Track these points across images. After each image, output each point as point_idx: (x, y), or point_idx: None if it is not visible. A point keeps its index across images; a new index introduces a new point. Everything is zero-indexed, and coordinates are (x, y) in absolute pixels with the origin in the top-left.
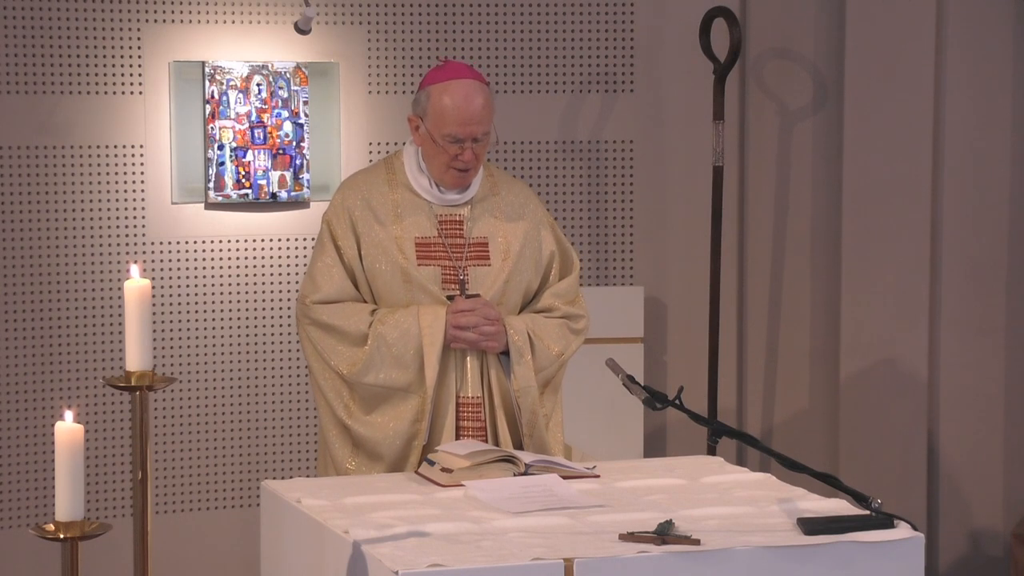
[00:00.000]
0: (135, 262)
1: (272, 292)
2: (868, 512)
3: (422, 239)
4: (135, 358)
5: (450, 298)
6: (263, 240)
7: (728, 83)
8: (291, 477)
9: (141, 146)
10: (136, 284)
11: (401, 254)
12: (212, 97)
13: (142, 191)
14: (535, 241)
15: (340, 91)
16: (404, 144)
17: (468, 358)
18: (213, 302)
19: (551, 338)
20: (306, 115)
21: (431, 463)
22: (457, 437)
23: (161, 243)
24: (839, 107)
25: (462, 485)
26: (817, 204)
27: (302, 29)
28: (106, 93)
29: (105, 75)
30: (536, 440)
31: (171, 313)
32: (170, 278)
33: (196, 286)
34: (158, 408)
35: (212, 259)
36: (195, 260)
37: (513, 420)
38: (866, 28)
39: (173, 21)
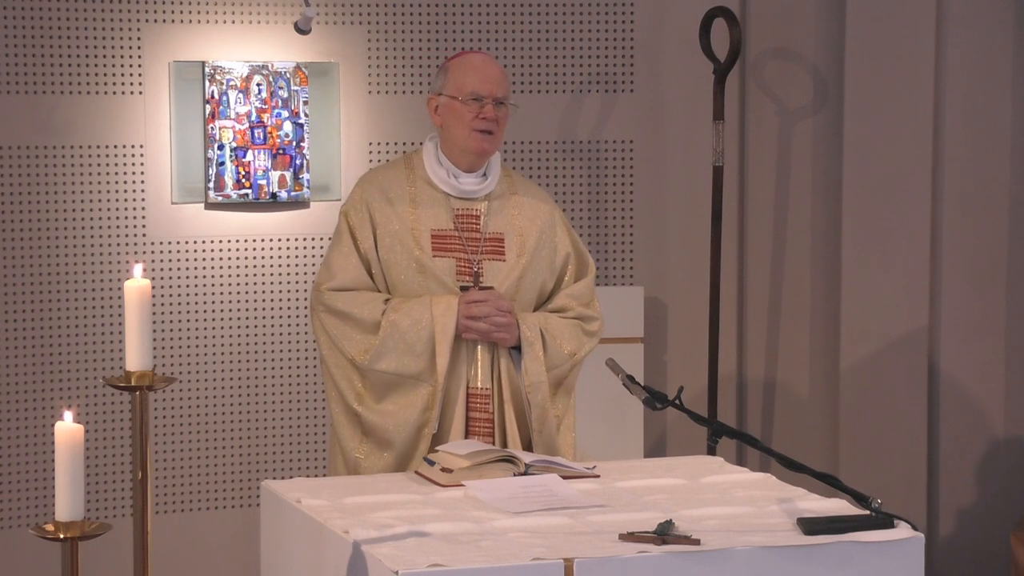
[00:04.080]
0: (138, 262)
1: (272, 292)
2: (868, 512)
3: (438, 231)
4: (135, 358)
5: (464, 289)
6: (263, 240)
7: (728, 83)
8: (291, 477)
9: (141, 146)
10: (136, 284)
11: (416, 245)
12: (212, 97)
13: (142, 191)
14: (551, 241)
15: (340, 91)
16: (420, 144)
17: (479, 349)
18: (213, 302)
19: (564, 337)
20: (306, 115)
21: (431, 463)
22: (467, 427)
23: (161, 243)
24: (839, 107)
25: (462, 485)
26: (817, 204)
27: (302, 29)
28: (106, 93)
29: (105, 75)
30: (546, 438)
31: (171, 313)
32: (170, 278)
33: (196, 286)
34: (158, 408)
35: (212, 259)
36: (195, 260)
37: (522, 415)
38: (866, 28)
39: (173, 21)
